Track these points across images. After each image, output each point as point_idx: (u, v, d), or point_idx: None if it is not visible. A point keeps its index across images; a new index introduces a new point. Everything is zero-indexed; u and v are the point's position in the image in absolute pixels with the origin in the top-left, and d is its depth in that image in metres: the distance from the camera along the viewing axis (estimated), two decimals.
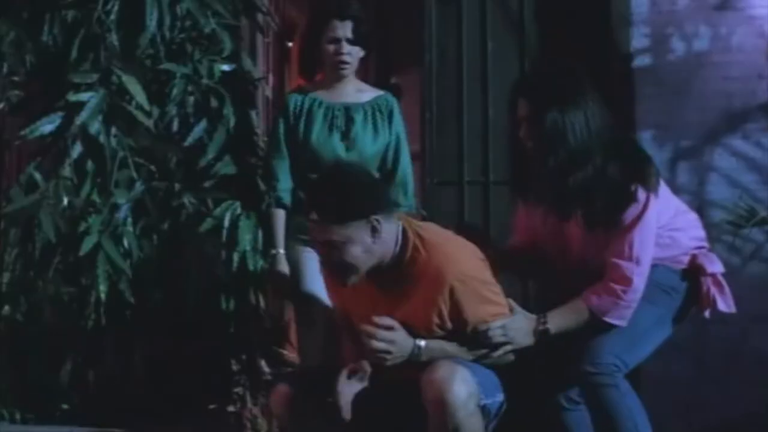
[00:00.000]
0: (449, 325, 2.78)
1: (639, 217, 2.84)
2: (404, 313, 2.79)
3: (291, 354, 3.76)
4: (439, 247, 2.78)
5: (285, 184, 3.57)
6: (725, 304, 2.99)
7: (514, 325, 2.80)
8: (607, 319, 2.83)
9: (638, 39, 4.84)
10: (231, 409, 3.64)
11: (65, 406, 3.44)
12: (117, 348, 3.44)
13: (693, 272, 2.96)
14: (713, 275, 2.96)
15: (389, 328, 2.75)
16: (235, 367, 3.63)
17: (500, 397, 2.81)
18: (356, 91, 3.70)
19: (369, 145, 3.62)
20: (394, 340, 2.75)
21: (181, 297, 3.41)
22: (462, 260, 2.79)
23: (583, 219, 2.88)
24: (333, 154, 3.57)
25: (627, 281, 2.84)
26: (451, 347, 2.79)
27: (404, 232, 2.79)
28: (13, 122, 3.89)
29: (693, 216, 3.07)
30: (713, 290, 2.96)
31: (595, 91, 2.89)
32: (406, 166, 3.69)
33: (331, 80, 3.69)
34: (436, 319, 2.77)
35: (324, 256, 2.77)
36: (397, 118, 3.69)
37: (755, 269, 4.66)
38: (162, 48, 3.59)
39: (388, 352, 2.74)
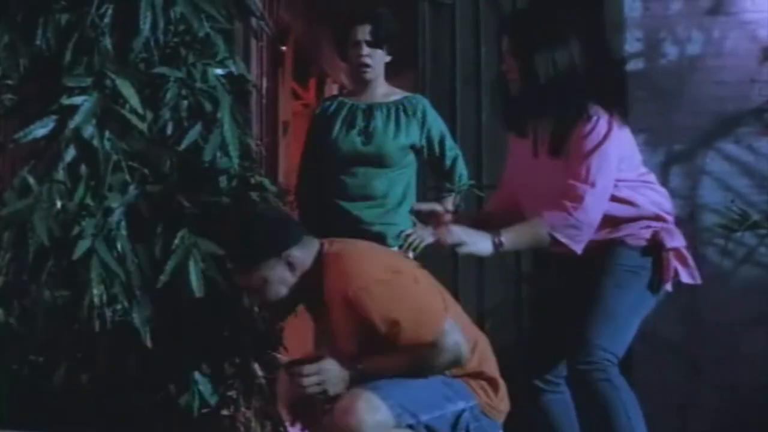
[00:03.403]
0: (359, 338, 2.75)
1: (599, 145, 2.90)
2: (334, 339, 2.81)
3: (284, 358, 3.76)
4: (335, 265, 2.78)
5: (303, 187, 3.91)
6: (689, 275, 3.02)
7: (472, 232, 2.83)
8: (557, 235, 2.86)
9: (631, 43, 4.87)
10: (225, 412, 3.63)
11: (58, 410, 3.43)
12: (110, 351, 3.43)
13: (654, 248, 2.99)
14: (675, 249, 2.99)
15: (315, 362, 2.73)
16: (228, 371, 3.63)
17: (459, 405, 2.76)
18: (383, 94, 3.84)
19: (389, 141, 3.78)
20: (320, 370, 2.72)
21: (176, 300, 3.40)
22: (357, 273, 2.75)
23: (549, 145, 2.94)
24: (351, 148, 3.76)
25: (579, 199, 2.87)
26: (389, 361, 2.74)
27: (319, 255, 2.82)
28: (6, 126, 3.89)
29: (659, 189, 3.11)
30: (674, 263, 2.99)
31: (578, 33, 2.98)
32: (454, 154, 3.90)
33: (359, 85, 3.85)
34: (360, 339, 2.74)
35: (254, 300, 2.91)
36: (431, 115, 3.88)
37: (748, 273, 4.69)
38: (156, 52, 3.58)
39: (321, 384, 2.72)
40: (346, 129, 3.79)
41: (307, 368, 2.73)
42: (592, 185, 2.87)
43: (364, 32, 3.78)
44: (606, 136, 2.90)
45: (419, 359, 2.72)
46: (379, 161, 3.75)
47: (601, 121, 2.92)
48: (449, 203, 3.91)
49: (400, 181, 3.81)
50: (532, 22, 3.05)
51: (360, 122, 3.79)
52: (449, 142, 3.90)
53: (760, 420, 4.54)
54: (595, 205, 2.88)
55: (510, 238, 2.86)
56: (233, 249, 2.87)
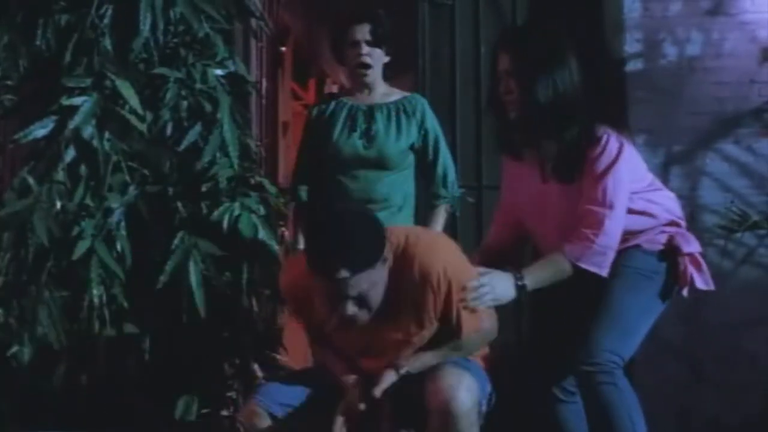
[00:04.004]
0: (435, 322, 2.75)
1: (611, 165, 2.87)
2: (382, 331, 2.76)
3: (284, 358, 3.77)
4: (417, 244, 2.74)
5: (303, 183, 3.86)
6: (703, 281, 3.02)
7: (496, 280, 2.80)
8: (582, 265, 2.84)
9: (631, 44, 4.87)
10: (224, 413, 3.63)
11: (57, 410, 3.43)
12: (110, 352, 3.43)
13: (670, 252, 2.98)
14: (690, 254, 2.98)
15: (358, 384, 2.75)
16: (228, 372, 3.63)
17: (488, 388, 2.84)
18: (383, 95, 3.81)
19: (391, 143, 3.75)
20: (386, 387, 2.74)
21: (176, 301, 3.41)
22: (443, 248, 2.78)
23: (558, 169, 2.91)
24: (353, 151, 3.74)
25: (599, 225, 2.85)
26: (428, 358, 2.78)
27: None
28: (6, 126, 3.89)
29: (669, 194, 3.10)
30: (690, 269, 2.98)
31: (575, 49, 2.96)
32: (446, 160, 3.84)
33: (358, 86, 3.81)
34: (428, 316, 2.73)
35: (336, 308, 2.65)
36: (430, 116, 3.84)
37: (748, 273, 4.69)
38: (155, 52, 3.59)
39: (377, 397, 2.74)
40: (347, 131, 3.75)
41: (380, 391, 2.74)
42: (611, 207, 2.85)
43: (363, 32, 3.75)
44: (618, 155, 2.88)
45: (466, 349, 2.80)
46: (380, 164, 3.74)
47: (611, 140, 2.89)
48: (442, 210, 3.86)
49: (401, 183, 3.80)
50: (531, 42, 2.99)
51: (361, 124, 3.76)
52: (443, 149, 3.84)
53: (760, 421, 4.55)
54: (615, 228, 2.87)
55: (532, 278, 2.84)
56: (347, 253, 2.57)
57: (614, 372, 2.84)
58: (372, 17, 3.76)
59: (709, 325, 4.64)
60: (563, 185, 2.92)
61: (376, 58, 3.77)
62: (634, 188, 2.94)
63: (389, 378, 2.75)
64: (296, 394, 2.86)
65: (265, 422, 2.80)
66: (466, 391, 2.64)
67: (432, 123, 3.84)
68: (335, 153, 3.75)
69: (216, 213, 3.48)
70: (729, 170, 4.80)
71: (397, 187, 3.76)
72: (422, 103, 3.84)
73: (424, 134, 3.81)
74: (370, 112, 3.78)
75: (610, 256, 2.86)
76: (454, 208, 3.92)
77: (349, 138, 3.74)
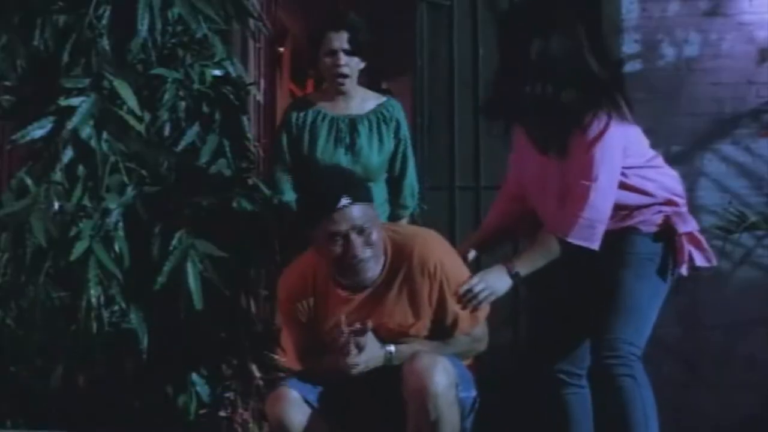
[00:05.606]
0: (430, 315, 2.81)
1: (599, 137, 2.86)
2: (378, 317, 2.81)
3: (282, 358, 3.77)
4: (415, 236, 2.87)
5: (289, 195, 3.69)
6: (704, 258, 3.01)
7: (490, 276, 2.86)
8: (571, 239, 2.85)
9: (629, 45, 4.88)
10: (222, 414, 3.64)
11: (56, 410, 3.43)
12: (108, 352, 3.43)
13: (667, 233, 2.97)
14: (689, 234, 2.98)
15: (361, 332, 2.75)
16: (226, 372, 3.64)
17: (473, 392, 2.87)
18: (360, 101, 3.75)
19: (375, 156, 3.71)
20: (363, 346, 2.76)
21: (174, 301, 3.41)
22: (439, 244, 2.90)
23: (551, 140, 2.92)
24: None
25: (583, 198, 2.85)
26: (421, 346, 2.82)
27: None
28: (4, 127, 3.89)
29: (669, 172, 3.09)
30: (688, 247, 2.97)
31: (578, 21, 2.96)
32: (413, 170, 3.81)
33: (334, 92, 3.74)
34: (423, 305, 2.80)
35: (345, 254, 2.74)
36: (403, 124, 3.79)
37: (745, 274, 4.70)
38: (153, 53, 3.58)
39: (358, 363, 2.76)
40: (332, 147, 3.68)
41: (358, 343, 2.76)
42: (595, 179, 2.84)
43: (341, 40, 3.65)
44: (606, 126, 2.87)
45: (454, 348, 2.87)
46: (366, 177, 3.70)
47: (600, 113, 2.90)
48: (406, 220, 3.85)
49: (379, 191, 3.76)
50: (530, 15, 2.99)
51: (345, 138, 3.68)
52: (411, 159, 3.79)
53: (758, 422, 4.55)
54: (601, 200, 2.85)
55: (525, 265, 2.88)
56: (354, 183, 2.87)
57: (634, 365, 2.85)
58: (350, 25, 3.68)
59: (707, 325, 4.65)
60: (561, 161, 2.92)
61: (353, 67, 3.69)
62: (629, 163, 2.93)
63: (376, 357, 2.79)
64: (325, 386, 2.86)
65: (300, 409, 2.78)
66: (442, 372, 2.69)
67: (404, 132, 3.78)
68: (318, 167, 3.68)
69: (213, 214, 3.49)
70: (727, 171, 4.80)
71: (379, 193, 3.72)
72: (397, 110, 3.77)
73: (396, 143, 3.76)
74: (353, 124, 3.71)
75: (600, 229, 2.86)
76: (414, 215, 3.93)
77: (335, 153, 3.67)
